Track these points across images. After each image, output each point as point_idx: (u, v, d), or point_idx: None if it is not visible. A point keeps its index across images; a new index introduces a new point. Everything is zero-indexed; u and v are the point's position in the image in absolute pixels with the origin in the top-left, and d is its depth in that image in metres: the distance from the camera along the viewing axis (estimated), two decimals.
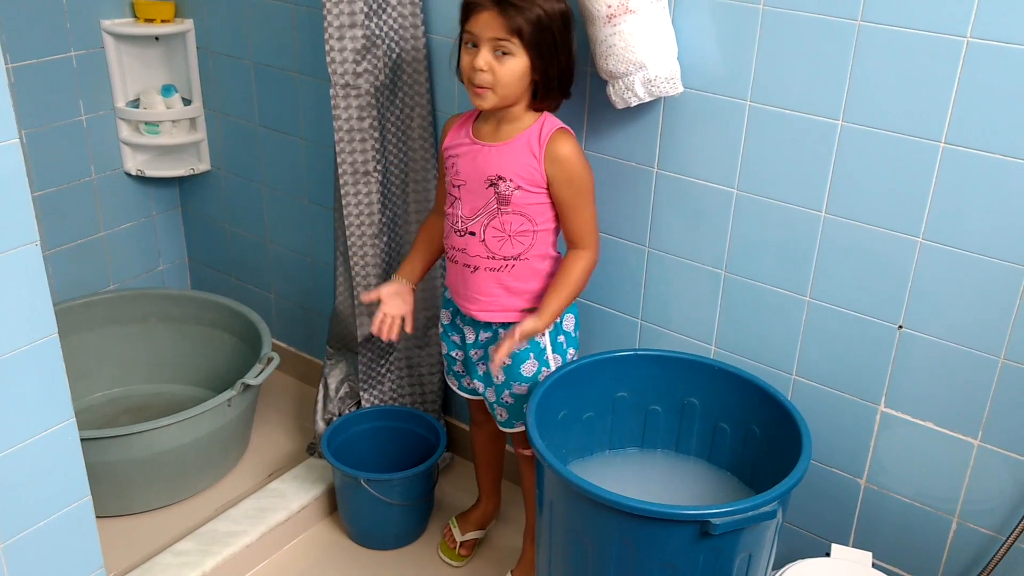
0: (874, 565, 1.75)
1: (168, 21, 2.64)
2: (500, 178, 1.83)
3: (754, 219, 1.88)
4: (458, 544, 2.31)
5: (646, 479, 1.99)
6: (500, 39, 1.71)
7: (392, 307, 1.99)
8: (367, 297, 2.03)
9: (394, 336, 1.98)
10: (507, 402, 2.00)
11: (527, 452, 2.08)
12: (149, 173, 2.80)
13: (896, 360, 1.81)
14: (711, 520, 1.56)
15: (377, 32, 2.12)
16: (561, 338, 1.97)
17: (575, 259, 1.86)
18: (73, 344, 2.14)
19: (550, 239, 1.90)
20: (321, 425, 2.50)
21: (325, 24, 2.07)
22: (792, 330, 1.91)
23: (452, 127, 1.94)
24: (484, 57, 1.73)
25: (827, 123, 1.73)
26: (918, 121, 1.64)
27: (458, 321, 2.04)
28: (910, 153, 1.66)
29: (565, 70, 1.81)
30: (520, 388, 1.96)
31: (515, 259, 1.89)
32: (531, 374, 1.95)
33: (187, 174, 2.82)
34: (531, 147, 1.81)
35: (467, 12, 1.75)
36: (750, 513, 1.58)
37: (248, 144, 2.71)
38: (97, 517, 1.66)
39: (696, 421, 2.00)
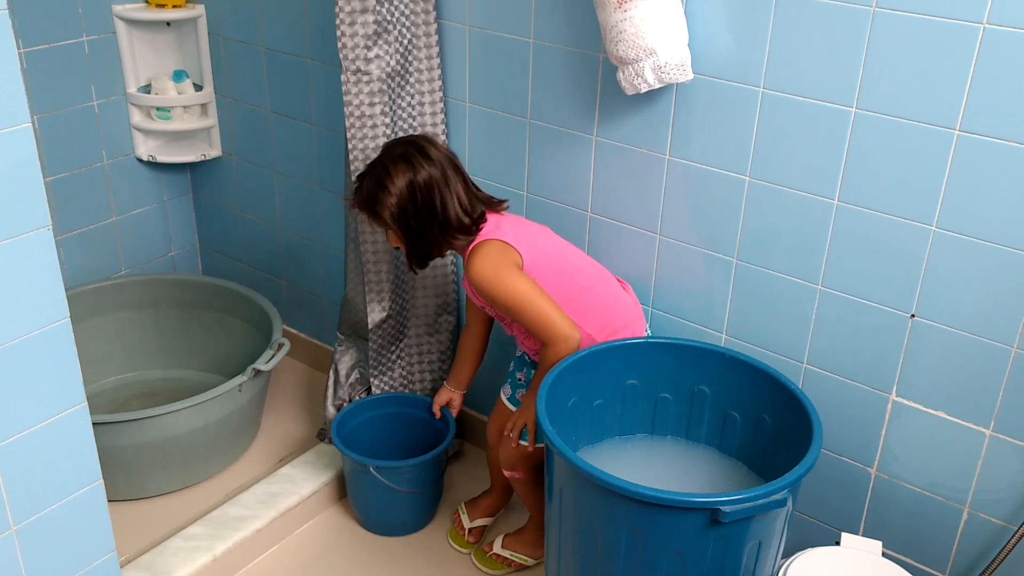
0: (884, 554, 1.74)
1: (180, 6, 2.63)
2: (482, 306, 2.00)
3: (766, 207, 1.87)
4: (467, 531, 2.32)
5: (656, 467, 1.99)
6: (383, 226, 1.95)
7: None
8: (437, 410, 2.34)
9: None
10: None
11: (507, 474, 2.12)
12: (160, 159, 2.80)
13: (908, 349, 1.80)
14: (721, 508, 1.56)
15: (388, 18, 2.11)
16: None
17: (543, 354, 1.90)
18: (85, 329, 2.15)
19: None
20: (331, 411, 2.51)
21: (336, 10, 2.07)
22: (804, 318, 1.90)
23: None
24: (389, 236, 1.97)
25: (841, 110, 1.72)
26: (933, 108, 1.63)
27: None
28: (924, 140, 1.65)
29: (444, 224, 1.89)
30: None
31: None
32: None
33: (198, 160, 2.82)
34: (466, 275, 1.92)
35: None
36: (760, 501, 1.58)
37: (259, 130, 2.71)
38: (108, 501, 1.67)
39: (706, 409, 2.00)
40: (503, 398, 2.22)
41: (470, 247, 1.91)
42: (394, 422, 2.43)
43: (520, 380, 2.16)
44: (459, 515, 2.35)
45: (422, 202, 1.87)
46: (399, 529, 2.35)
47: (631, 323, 2.00)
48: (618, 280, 2.05)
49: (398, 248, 2.01)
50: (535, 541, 2.22)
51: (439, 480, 2.35)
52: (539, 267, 1.91)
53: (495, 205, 1.98)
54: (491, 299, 1.88)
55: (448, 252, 1.98)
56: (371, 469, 2.21)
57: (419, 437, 2.39)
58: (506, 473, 2.12)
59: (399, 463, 2.24)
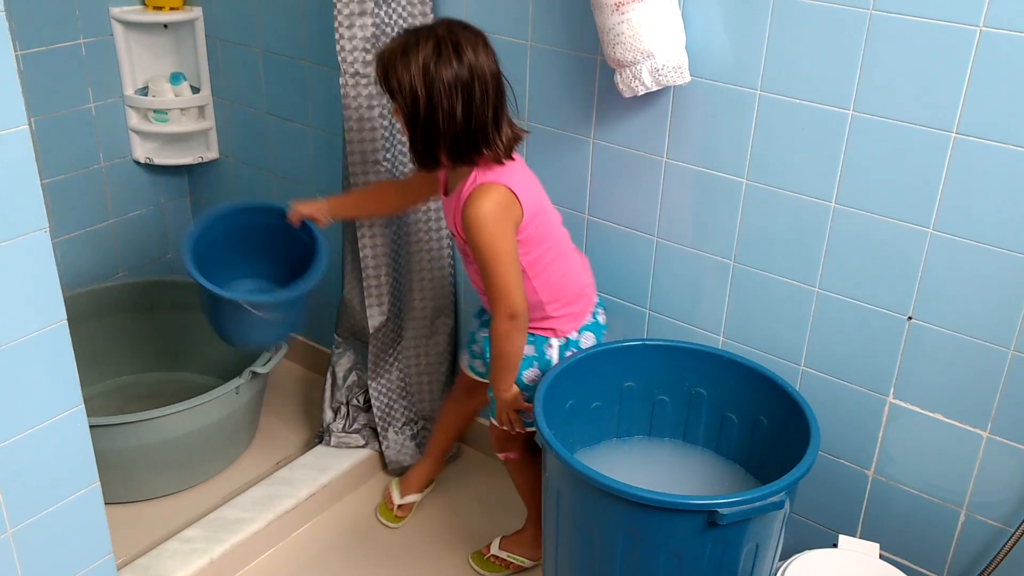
0: (881, 556, 1.74)
1: (177, 8, 2.63)
2: (454, 233, 1.87)
3: (764, 209, 1.87)
4: (396, 506, 2.37)
5: (653, 469, 2.00)
6: (389, 97, 1.75)
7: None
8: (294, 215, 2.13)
9: None
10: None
11: (500, 456, 2.13)
12: (158, 161, 2.80)
13: (905, 351, 1.80)
14: (719, 510, 1.56)
15: (387, 20, 2.11)
16: (570, 353, 1.96)
17: (491, 329, 1.84)
18: (82, 331, 2.14)
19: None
20: (329, 414, 2.51)
21: (335, 12, 2.07)
22: (801, 321, 1.90)
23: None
24: (395, 112, 1.77)
25: (838, 113, 1.72)
26: (929, 111, 1.63)
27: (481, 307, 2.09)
28: (921, 143, 1.65)
29: (452, 134, 1.72)
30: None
31: None
32: (530, 382, 1.95)
33: (196, 162, 2.82)
34: (459, 205, 1.79)
35: None
36: (758, 503, 1.58)
37: (257, 132, 2.71)
38: (105, 503, 1.67)
39: (704, 411, 2.00)
40: (463, 367, 2.22)
41: (480, 180, 1.77)
42: (251, 232, 2.26)
43: (476, 351, 2.13)
44: (390, 490, 2.39)
45: (438, 100, 1.69)
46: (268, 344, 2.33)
47: (582, 297, 1.97)
48: (577, 251, 2.01)
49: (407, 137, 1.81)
50: (532, 542, 2.22)
51: (309, 299, 2.24)
52: (531, 227, 1.82)
53: (520, 135, 1.83)
54: (475, 241, 1.76)
55: (456, 167, 1.80)
56: (243, 303, 2.10)
57: (280, 247, 2.24)
58: (500, 456, 2.13)
59: (272, 297, 2.17)
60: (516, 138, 1.80)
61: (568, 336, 1.95)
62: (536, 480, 2.06)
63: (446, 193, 1.89)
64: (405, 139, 1.77)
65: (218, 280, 2.14)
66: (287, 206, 2.14)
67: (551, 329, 1.93)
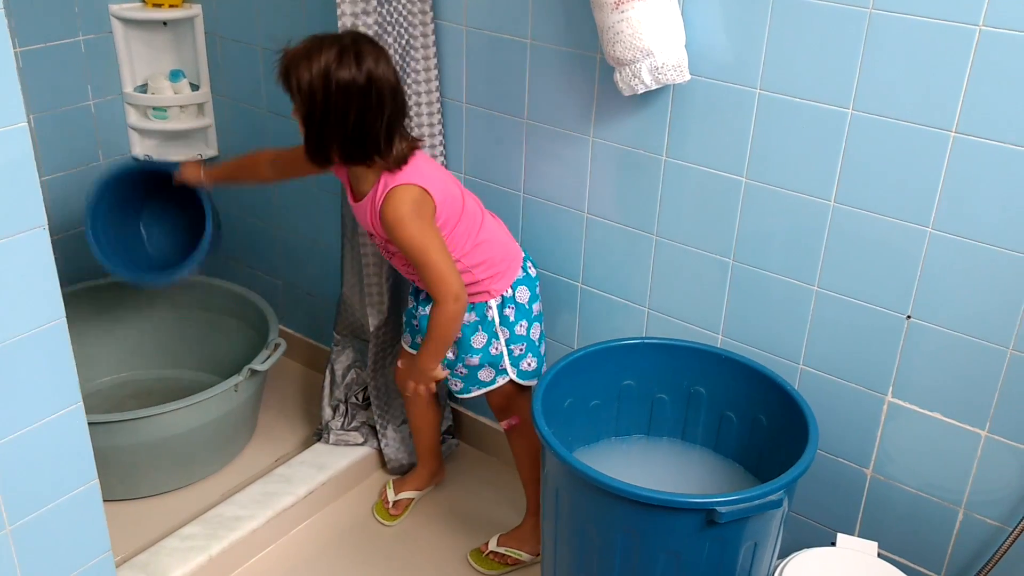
0: (880, 555, 1.74)
1: (176, 6, 2.63)
2: (371, 234, 1.98)
3: (763, 208, 1.87)
4: (391, 503, 2.39)
5: (652, 467, 2.00)
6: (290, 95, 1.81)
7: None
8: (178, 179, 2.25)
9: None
10: (461, 373, 2.10)
11: (503, 425, 2.18)
12: (157, 158, 2.79)
13: (904, 350, 1.80)
14: (717, 508, 1.56)
15: (388, 19, 2.11)
16: (509, 310, 2.04)
17: (432, 311, 1.93)
18: (81, 329, 2.15)
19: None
20: (328, 411, 2.51)
21: (339, 12, 2.06)
22: (800, 319, 1.90)
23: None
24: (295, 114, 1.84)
25: (837, 111, 1.72)
26: (929, 110, 1.63)
27: (415, 285, 2.16)
28: (920, 142, 1.65)
29: (344, 137, 1.80)
30: (472, 360, 2.05)
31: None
32: (481, 346, 2.03)
33: (195, 159, 2.82)
34: (374, 210, 1.89)
35: None
36: (756, 502, 1.58)
37: (256, 130, 2.71)
38: (104, 501, 1.67)
39: (702, 410, 2.00)
40: (404, 346, 2.25)
41: (391, 185, 1.85)
42: (151, 184, 2.39)
43: (416, 326, 2.18)
44: (386, 489, 2.42)
45: (332, 102, 1.77)
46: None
47: (506, 256, 2.05)
48: (489, 214, 2.07)
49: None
50: (532, 535, 2.23)
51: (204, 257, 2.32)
52: (444, 213, 1.91)
53: (416, 145, 1.92)
54: (400, 241, 1.87)
55: (367, 170, 1.88)
56: (142, 284, 2.32)
57: (180, 198, 2.35)
58: (503, 424, 2.17)
59: (166, 278, 2.32)
60: (410, 150, 1.88)
61: (503, 294, 2.03)
62: (538, 451, 2.10)
63: (356, 199, 1.96)
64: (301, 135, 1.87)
65: (126, 224, 2.35)
66: (176, 166, 2.27)
67: (485, 292, 2.01)
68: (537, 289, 2.10)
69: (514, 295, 2.04)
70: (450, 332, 1.95)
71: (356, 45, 1.78)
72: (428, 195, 1.87)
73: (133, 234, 2.45)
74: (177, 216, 2.45)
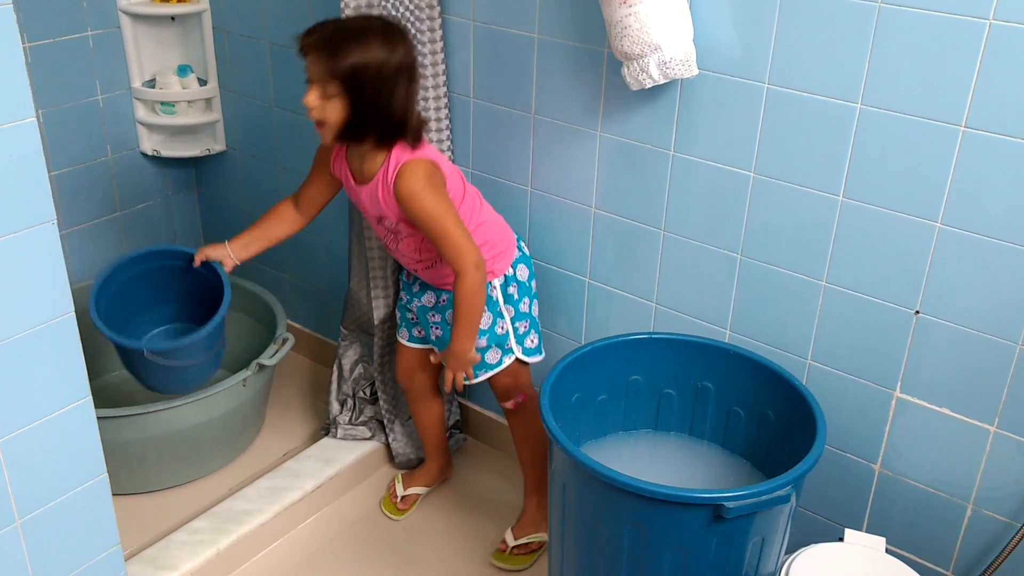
0: (888, 551, 1.74)
1: (184, 1, 2.63)
2: (381, 217, 1.96)
3: (771, 203, 1.87)
4: (399, 498, 2.39)
5: (659, 462, 2.00)
6: (324, 80, 1.78)
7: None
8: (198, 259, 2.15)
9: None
10: None
11: (509, 404, 2.18)
12: (165, 153, 2.80)
13: (912, 346, 1.80)
14: (725, 504, 1.56)
15: (394, 13, 2.11)
16: (512, 288, 2.06)
17: (456, 285, 1.90)
18: (89, 323, 2.15)
19: None
20: (335, 406, 2.51)
21: (342, 5, 2.06)
22: (808, 315, 1.90)
23: (332, 155, 2.01)
24: (311, 96, 1.81)
25: (846, 106, 1.71)
26: (938, 104, 1.62)
27: (405, 276, 2.20)
28: (929, 137, 1.65)
29: (388, 116, 1.82)
30: (479, 342, 2.04)
31: (432, 260, 2.03)
32: (487, 327, 2.04)
33: (203, 154, 2.82)
34: (387, 187, 1.89)
35: (302, 53, 1.83)
36: (764, 497, 1.58)
37: (264, 125, 2.71)
38: (113, 495, 1.68)
39: (710, 405, 2.00)
40: (403, 341, 2.25)
41: (403, 160, 1.86)
42: (155, 277, 2.26)
43: (413, 319, 2.20)
44: (394, 483, 2.42)
45: (381, 82, 1.78)
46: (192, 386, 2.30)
47: (505, 236, 2.08)
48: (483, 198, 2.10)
49: (321, 125, 1.85)
50: (539, 516, 2.24)
51: (221, 342, 2.25)
52: (452, 192, 1.93)
53: (424, 120, 1.95)
54: (417, 213, 1.86)
55: (377, 150, 1.88)
56: (147, 354, 2.11)
57: (188, 290, 2.26)
58: (511, 404, 2.17)
59: (177, 343, 2.18)
60: (422, 125, 1.91)
61: (505, 273, 2.06)
62: (537, 428, 2.14)
63: (361, 182, 1.94)
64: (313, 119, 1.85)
65: (136, 329, 2.20)
66: (194, 250, 2.16)
67: (489, 272, 2.01)
68: (533, 267, 2.15)
69: (515, 273, 2.08)
70: (477, 303, 1.92)
71: (394, 25, 1.83)
72: (439, 168, 1.89)
73: (142, 316, 2.31)
74: (178, 316, 2.36)
